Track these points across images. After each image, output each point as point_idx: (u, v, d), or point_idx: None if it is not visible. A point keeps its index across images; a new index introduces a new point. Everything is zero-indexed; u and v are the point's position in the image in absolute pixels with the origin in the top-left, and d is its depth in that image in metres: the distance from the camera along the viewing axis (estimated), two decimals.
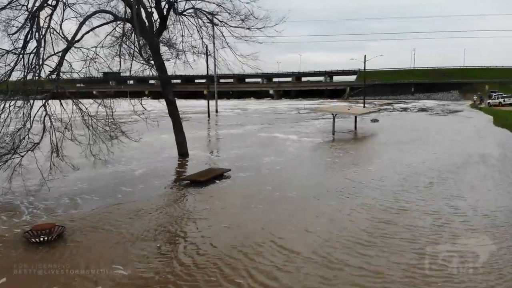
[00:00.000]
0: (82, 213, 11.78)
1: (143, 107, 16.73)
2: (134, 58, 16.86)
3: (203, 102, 61.89)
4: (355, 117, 34.66)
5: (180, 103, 77.93)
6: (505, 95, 62.53)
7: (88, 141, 14.69)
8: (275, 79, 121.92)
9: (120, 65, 16.64)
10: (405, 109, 61.49)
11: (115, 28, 18.27)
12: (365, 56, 64.99)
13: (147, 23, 20.75)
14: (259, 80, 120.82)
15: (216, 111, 57.96)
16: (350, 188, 13.80)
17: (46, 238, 9.92)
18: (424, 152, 20.92)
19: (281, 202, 12.35)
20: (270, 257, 8.36)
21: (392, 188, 13.70)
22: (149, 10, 20.51)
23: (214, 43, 58.56)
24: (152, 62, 17.71)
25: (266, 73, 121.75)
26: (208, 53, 21.48)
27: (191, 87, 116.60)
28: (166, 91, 21.56)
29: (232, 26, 20.85)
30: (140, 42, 17.31)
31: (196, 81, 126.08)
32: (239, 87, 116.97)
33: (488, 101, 63.04)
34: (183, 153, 21.64)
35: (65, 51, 16.92)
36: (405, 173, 15.96)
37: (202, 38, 20.92)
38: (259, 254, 8.58)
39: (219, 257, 8.42)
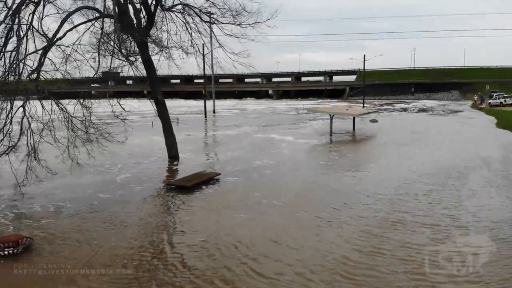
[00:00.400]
0: (54, 222, 10.86)
1: (122, 107, 15.75)
2: (113, 55, 15.82)
3: (202, 103, 60.99)
4: (354, 118, 33.74)
5: (178, 103, 77.24)
6: (506, 95, 61.43)
7: (67, 143, 13.80)
8: (274, 79, 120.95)
9: (99, 63, 15.59)
10: (405, 109, 60.47)
11: (93, 24, 17.15)
12: (364, 56, 64.02)
13: (134, 20, 19.87)
14: (258, 80, 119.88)
15: (214, 111, 57.04)
16: (343, 196, 12.83)
17: (11, 251, 9.07)
18: (423, 155, 19.95)
19: (267, 211, 11.42)
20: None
21: (388, 196, 12.71)
22: (138, 6, 19.61)
23: (211, 42, 56.90)
24: (133, 59, 16.66)
25: (265, 73, 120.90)
26: (198, 52, 20.33)
27: (190, 87, 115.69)
28: (155, 91, 20.61)
29: (223, 23, 19.85)
30: (120, 38, 16.28)
31: (196, 81, 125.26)
32: (238, 87, 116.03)
33: (489, 101, 61.98)
34: (173, 156, 20.72)
35: (46, 49, 16.02)
36: (403, 178, 14.96)
37: (191, 36, 19.88)
38: (232, 284, 7.54)
39: (190, 280, 7.48)
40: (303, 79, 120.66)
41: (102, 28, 16.17)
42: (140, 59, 19.93)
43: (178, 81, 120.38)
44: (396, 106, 68.39)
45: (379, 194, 12.87)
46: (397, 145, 23.16)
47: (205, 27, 19.95)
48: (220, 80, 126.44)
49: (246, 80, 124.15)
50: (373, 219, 10.48)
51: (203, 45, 49.81)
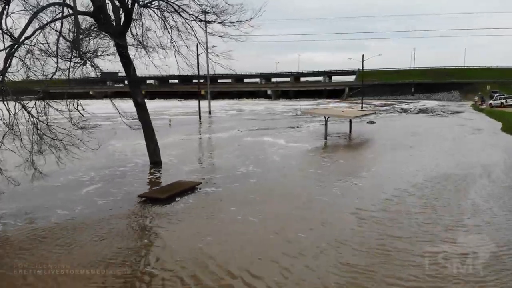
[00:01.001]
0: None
1: (79, 112, 14.35)
2: (72, 53, 14.43)
3: (203, 103, 59.65)
4: (350, 120, 32.32)
5: (175, 103, 75.74)
6: (507, 95, 59.78)
7: (31, 149, 12.45)
8: (273, 79, 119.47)
9: (57, 63, 14.20)
10: (404, 110, 58.92)
11: (55, 20, 15.67)
12: (363, 55, 62.58)
13: (113, 17, 18.47)
14: (257, 80, 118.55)
15: (209, 112, 55.64)
16: (326, 214, 11.30)
17: None
18: (420, 162, 18.44)
19: (239, 231, 9.97)
20: None
21: (377, 214, 11.14)
22: (116, 3, 18.18)
23: (206, 41, 55.22)
24: (85, 58, 15.18)
25: (264, 73, 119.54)
26: (177, 51, 18.84)
27: (188, 87, 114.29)
28: (134, 92, 19.16)
29: (203, 21, 18.42)
30: (79, 35, 14.85)
31: (194, 81, 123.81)
32: (236, 87, 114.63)
33: (490, 101, 60.37)
34: (155, 162, 19.32)
35: (11, 48, 14.64)
36: (396, 191, 13.34)
37: (170, 34, 18.43)
38: None
39: None
40: (303, 79, 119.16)
41: (61, 28, 14.67)
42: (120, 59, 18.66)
43: (176, 81, 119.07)
44: (395, 107, 66.87)
45: (366, 212, 11.30)
46: (393, 150, 21.69)
47: (185, 25, 18.37)
48: (219, 80, 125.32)
49: (245, 80, 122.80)
50: (357, 248, 8.79)
51: (197, 44, 48.36)
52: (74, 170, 16.55)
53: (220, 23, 18.14)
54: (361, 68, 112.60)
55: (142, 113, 19.25)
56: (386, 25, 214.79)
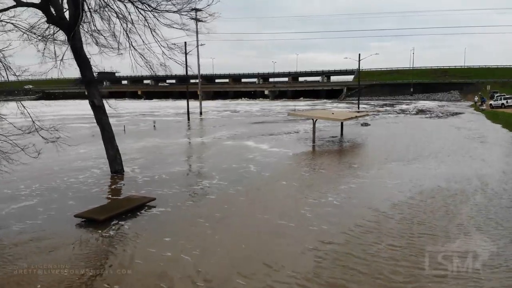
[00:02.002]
0: None
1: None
2: None
3: (196, 103, 57.53)
4: (341, 123, 29.99)
5: (172, 104, 73.71)
6: (507, 96, 57.18)
7: None
8: (271, 79, 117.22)
9: None
10: (403, 111, 56.46)
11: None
12: (359, 55, 60.08)
13: (66, 9, 16.19)
14: (255, 80, 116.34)
15: (200, 113, 53.32)
16: (286, 250, 8.83)
17: None
18: (410, 173, 16.03)
19: (173, 269, 7.64)
20: None
21: (340, 250, 8.63)
22: None
23: (197, 38, 52.49)
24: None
25: (262, 73, 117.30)
26: (131, 46, 16.49)
27: (190, 87, 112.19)
28: (91, 93, 16.83)
29: (155, 9, 16.01)
30: None
31: (192, 81, 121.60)
32: (234, 87, 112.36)
33: (490, 102, 57.86)
34: (116, 170, 17.05)
35: None
36: (375, 217, 10.68)
37: (122, 27, 16.12)
38: None
39: None
40: (301, 79, 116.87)
41: None
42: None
43: (173, 81, 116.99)
44: (393, 108, 64.46)
45: (328, 243, 8.94)
46: (382, 159, 19.28)
47: (138, 16, 16.00)
48: (217, 80, 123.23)
49: (243, 80, 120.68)
50: None
51: (185, 43, 46.26)
52: (14, 180, 14.31)
53: (176, 12, 15.77)
54: (359, 68, 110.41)
55: (100, 116, 16.92)
56: (386, 25, 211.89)
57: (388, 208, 11.35)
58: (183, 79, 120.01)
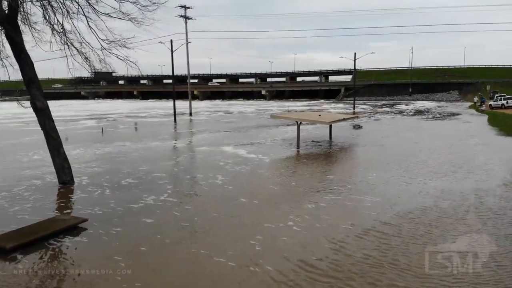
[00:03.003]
0: None
1: None
2: None
3: (193, 104, 55.47)
4: (330, 125, 27.71)
5: (166, 104, 71.58)
6: (508, 96, 54.69)
7: None
8: (269, 79, 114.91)
9: None
10: (400, 112, 54.11)
11: None
12: (355, 54, 57.66)
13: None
14: (252, 80, 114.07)
15: (190, 114, 51.11)
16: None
17: None
18: (394, 187, 13.76)
19: None
20: None
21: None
22: None
23: (186, 35, 50.25)
24: None
25: (259, 73, 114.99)
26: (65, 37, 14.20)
27: (184, 87, 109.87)
28: (33, 94, 14.59)
29: None
30: None
31: (191, 81, 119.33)
32: (231, 87, 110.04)
33: (490, 102, 55.41)
34: (64, 181, 14.83)
35: None
36: (333, 252, 8.31)
37: (49, 17, 13.83)
38: None
39: None
40: (299, 79, 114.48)
41: None
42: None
43: (170, 81, 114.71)
44: (390, 108, 62.10)
45: (279, 281, 6.78)
46: (366, 168, 16.99)
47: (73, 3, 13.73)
48: (214, 80, 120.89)
49: (241, 80, 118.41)
50: None
51: (171, 41, 43.96)
52: None
53: None
54: (358, 68, 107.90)
55: (44, 120, 14.68)
56: (385, 25, 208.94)
57: (353, 238, 9.00)
58: (180, 79, 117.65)
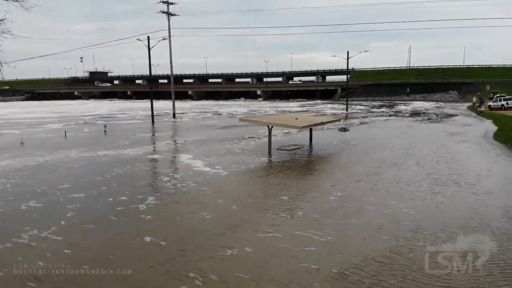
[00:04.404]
0: None
1: None
2: None
3: (185, 103, 52.26)
4: (310, 129, 24.34)
5: (155, 105, 68.50)
6: (508, 97, 50.98)
7: None
8: (266, 79, 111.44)
9: None
10: (396, 113, 50.64)
11: None
12: (347, 52, 54.12)
13: None
14: (248, 80, 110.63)
15: (174, 115, 47.80)
16: None
17: None
18: (363, 216, 10.39)
19: None
20: None
21: None
22: None
23: (169, 32, 46.37)
24: None
25: (256, 73, 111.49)
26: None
27: (178, 87, 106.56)
28: None
29: None
30: None
31: (185, 80, 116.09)
32: (226, 87, 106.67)
33: (489, 103, 51.74)
34: None
35: None
36: None
37: None
38: None
39: None
40: (296, 79, 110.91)
41: None
42: None
43: (165, 81, 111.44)
44: (385, 109, 58.64)
45: None
46: (339, 186, 13.59)
47: None
48: (210, 80, 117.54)
49: (237, 80, 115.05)
50: None
51: (148, 37, 40.49)
52: None
53: None
54: (356, 67, 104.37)
55: None
56: (385, 25, 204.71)
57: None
58: (175, 79, 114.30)
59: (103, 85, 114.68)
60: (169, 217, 10.73)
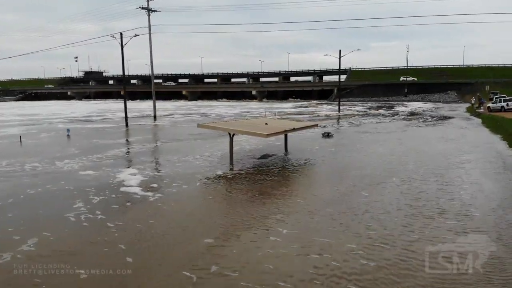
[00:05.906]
0: None
1: None
2: None
3: (179, 103, 48.79)
4: (285, 135, 20.90)
5: (145, 105, 64.71)
6: (508, 98, 47.22)
7: None
8: (262, 79, 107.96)
9: None
10: (391, 115, 47.11)
11: None
12: (340, 51, 50.58)
13: None
14: (244, 80, 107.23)
15: (155, 117, 44.48)
16: None
17: None
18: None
19: None
20: None
21: None
22: None
23: (150, 31, 42.40)
24: None
25: (252, 73, 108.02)
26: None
27: (172, 87, 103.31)
28: None
29: None
30: None
31: (180, 80, 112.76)
32: (221, 87, 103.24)
33: (488, 104, 48.01)
34: None
35: None
36: None
37: None
38: None
39: None
40: (292, 79, 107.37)
41: None
42: None
43: (160, 80, 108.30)
44: (380, 111, 55.05)
45: None
46: (292, 224, 10.11)
47: None
48: (206, 80, 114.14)
49: (233, 80, 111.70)
50: None
51: (121, 34, 36.88)
52: None
53: None
54: (353, 67, 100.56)
55: None
56: (384, 25, 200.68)
57: None
58: (170, 79, 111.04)
59: (93, 85, 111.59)
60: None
